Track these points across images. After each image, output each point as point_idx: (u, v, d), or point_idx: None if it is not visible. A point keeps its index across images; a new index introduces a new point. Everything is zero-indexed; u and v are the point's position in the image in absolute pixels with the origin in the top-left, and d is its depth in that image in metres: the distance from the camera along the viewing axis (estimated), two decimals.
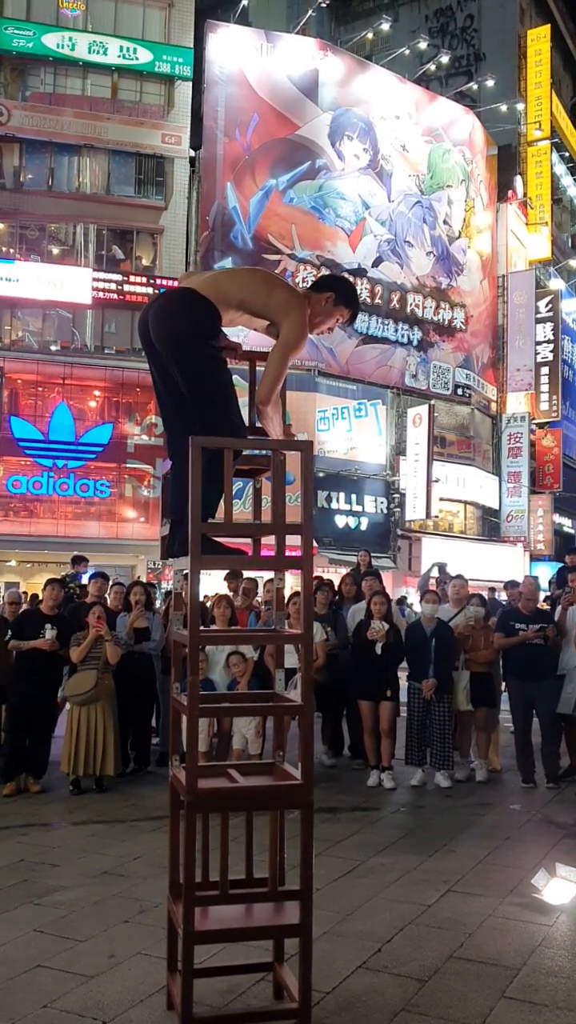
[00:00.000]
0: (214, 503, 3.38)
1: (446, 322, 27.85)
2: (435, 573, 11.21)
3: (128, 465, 23.03)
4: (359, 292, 25.00)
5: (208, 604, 8.06)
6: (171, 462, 3.65)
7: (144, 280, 22.97)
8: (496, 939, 4.23)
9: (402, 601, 15.89)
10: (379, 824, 6.35)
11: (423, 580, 10.64)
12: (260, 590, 9.71)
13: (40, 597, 8.10)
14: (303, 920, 3.21)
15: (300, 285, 19.61)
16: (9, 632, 7.53)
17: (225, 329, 3.60)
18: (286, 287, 3.64)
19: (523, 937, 4.26)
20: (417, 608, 9.84)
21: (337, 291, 3.66)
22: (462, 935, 4.26)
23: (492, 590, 13.91)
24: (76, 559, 11.40)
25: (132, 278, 23.10)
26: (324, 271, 24.40)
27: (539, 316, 30.19)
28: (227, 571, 8.77)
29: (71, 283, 22.41)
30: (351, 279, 23.22)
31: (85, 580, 9.73)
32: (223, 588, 9.49)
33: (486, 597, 8.77)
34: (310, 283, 4.02)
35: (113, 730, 7.21)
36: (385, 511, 25.48)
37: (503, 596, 11.68)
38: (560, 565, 13.43)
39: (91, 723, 7.09)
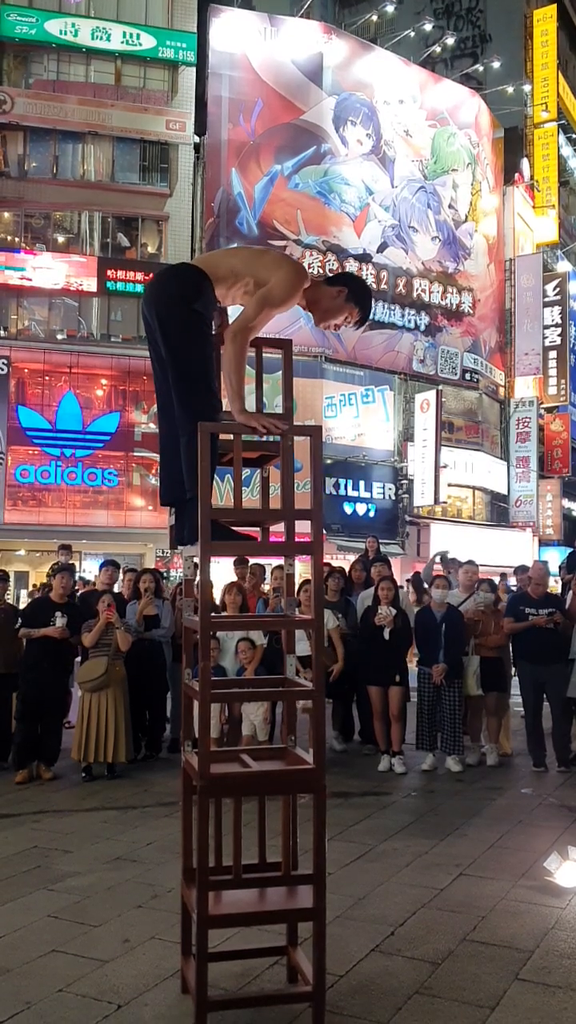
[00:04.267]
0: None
1: (454, 306, 27.67)
2: (438, 561, 11.15)
3: (136, 453, 23.00)
4: (365, 278, 24.95)
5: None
6: (160, 447, 3.63)
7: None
8: (509, 922, 4.24)
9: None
10: (390, 809, 6.37)
11: (427, 571, 10.59)
12: (268, 577, 9.69)
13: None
14: (317, 904, 3.22)
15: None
16: (19, 620, 7.57)
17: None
18: (281, 254, 3.76)
19: (536, 920, 4.27)
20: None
21: (349, 287, 3.61)
22: (475, 918, 4.27)
23: (503, 575, 13.86)
24: (61, 547, 11.51)
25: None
26: (330, 256, 24.30)
27: (547, 300, 30.00)
28: (235, 557, 8.76)
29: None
30: (361, 275, 22.58)
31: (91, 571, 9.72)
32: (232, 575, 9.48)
33: (496, 582, 8.74)
34: (319, 274, 4.01)
35: (124, 717, 7.24)
36: (393, 497, 25.42)
37: (512, 581, 11.63)
38: (570, 550, 13.39)
39: (102, 710, 7.12)
